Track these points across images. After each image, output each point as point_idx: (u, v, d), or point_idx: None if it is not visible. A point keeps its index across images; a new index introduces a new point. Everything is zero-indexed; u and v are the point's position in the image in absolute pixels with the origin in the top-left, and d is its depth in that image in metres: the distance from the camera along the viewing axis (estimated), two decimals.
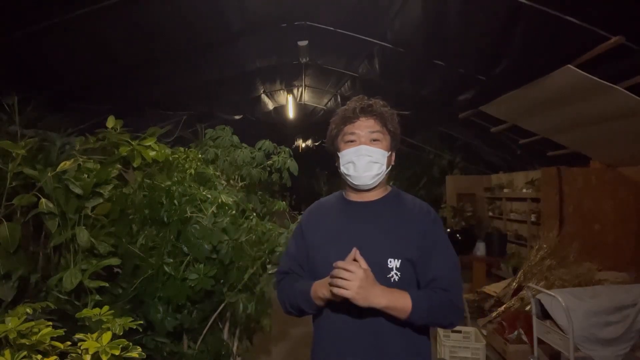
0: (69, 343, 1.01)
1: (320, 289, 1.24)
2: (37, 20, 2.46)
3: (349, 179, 1.33)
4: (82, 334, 1.00)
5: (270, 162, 3.06)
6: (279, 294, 1.42)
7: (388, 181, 1.41)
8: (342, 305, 1.22)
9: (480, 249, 5.62)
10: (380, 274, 1.20)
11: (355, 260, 1.17)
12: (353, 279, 1.13)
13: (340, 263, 1.16)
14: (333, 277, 1.16)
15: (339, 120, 1.35)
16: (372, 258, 1.19)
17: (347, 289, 1.13)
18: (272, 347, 3.84)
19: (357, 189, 1.35)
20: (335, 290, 1.15)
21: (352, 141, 1.32)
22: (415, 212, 1.34)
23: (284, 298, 1.39)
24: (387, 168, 1.33)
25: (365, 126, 1.31)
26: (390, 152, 1.34)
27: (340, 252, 1.22)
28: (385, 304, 1.17)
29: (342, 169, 1.34)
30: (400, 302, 1.19)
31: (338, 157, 1.36)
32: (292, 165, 3.03)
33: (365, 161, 1.29)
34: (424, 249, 1.27)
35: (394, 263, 1.25)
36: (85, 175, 1.69)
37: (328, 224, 1.38)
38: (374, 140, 1.31)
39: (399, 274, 1.25)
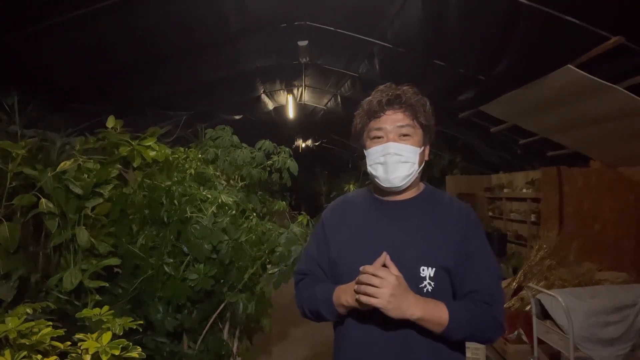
0: (69, 343, 1.02)
1: (343, 295, 1.11)
2: (37, 20, 2.46)
3: (377, 181, 1.19)
4: (82, 334, 1.00)
5: (270, 162, 3.06)
6: (297, 297, 1.29)
7: (421, 178, 1.27)
8: (369, 315, 1.10)
9: None
10: (411, 284, 1.07)
11: (384, 266, 1.05)
12: (384, 286, 1.00)
13: (367, 268, 1.03)
14: (360, 283, 1.03)
15: (363, 114, 1.20)
16: (403, 265, 1.07)
17: (376, 298, 1.00)
18: (272, 347, 3.84)
19: (387, 191, 1.21)
20: (364, 299, 1.02)
21: (378, 137, 1.17)
22: (453, 214, 1.19)
23: (302, 302, 1.25)
24: (419, 166, 1.18)
25: (392, 120, 1.16)
26: (422, 148, 1.19)
27: (367, 255, 1.10)
28: (420, 315, 1.04)
29: (369, 169, 1.20)
30: (436, 313, 1.06)
31: (364, 155, 1.22)
32: (292, 165, 3.03)
33: (394, 161, 1.14)
34: (463, 256, 1.13)
35: (427, 272, 1.12)
36: (85, 175, 1.69)
37: (354, 223, 1.24)
38: (404, 135, 1.16)
39: (432, 283, 1.11)
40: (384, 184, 1.18)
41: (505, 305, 3.92)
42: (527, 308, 3.47)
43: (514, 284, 4.08)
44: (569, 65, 2.85)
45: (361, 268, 1.05)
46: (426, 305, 1.06)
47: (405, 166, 1.15)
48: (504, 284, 4.38)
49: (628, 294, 2.85)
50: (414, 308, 1.04)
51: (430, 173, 7.70)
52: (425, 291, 1.11)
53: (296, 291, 1.31)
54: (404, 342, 1.12)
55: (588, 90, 3.02)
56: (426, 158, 1.23)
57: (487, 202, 6.84)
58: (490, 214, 6.73)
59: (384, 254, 1.07)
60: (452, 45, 3.45)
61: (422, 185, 1.27)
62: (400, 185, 1.17)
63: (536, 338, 2.99)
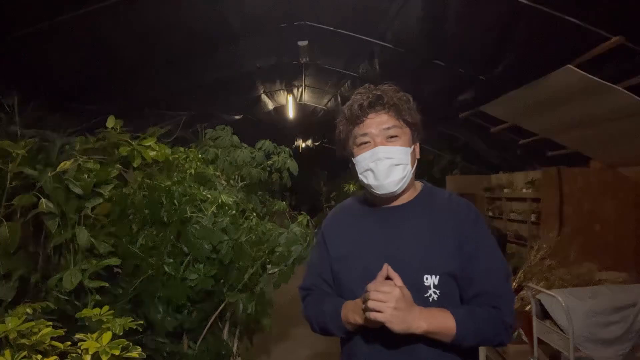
0: (69, 343, 1.01)
1: (351, 314, 1.07)
2: (37, 20, 2.46)
3: (371, 189, 1.13)
4: (82, 334, 1.00)
5: (270, 162, 3.06)
6: (305, 312, 1.25)
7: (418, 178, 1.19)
8: (377, 332, 1.04)
9: None
10: (415, 294, 1.02)
11: (388, 278, 1.00)
12: (387, 299, 0.95)
13: (371, 285, 0.99)
14: (365, 300, 0.99)
15: (345, 122, 1.14)
16: (404, 275, 1.01)
17: (381, 312, 0.95)
18: (272, 347, 3.84)
19: (383, 197, 1.15)
20: (371, 315, 0.97)
21: (365, 143, 1.11)
22: (452, 214, 1.13)
23: (311, 317, 1.22)
24: (412, 166, 1.12)
25: (377, 123, 1.10)
26: (412, 147, 1.13)
27: (366, 267, 1.08)
28: (426, 328, 0.99)
29: (361, 177, 1.14)
30: (442, 324, 1.01)
31: (354, 164, 1.15)
32: (292, 165, 3.03)
33: (385, 165, 1.08)
34: (467, 258, 1.08)
35: (431, 280, 1.06)
36: (85, 175, 1.69)
37: (352, 234, 1.19)
38: (391, 137, 1.10)
39: (437, 292, 1.06)
40: (379, 191, 1.12)
41: None
42: (527, 308, 3.47)
43: (514, 284, 4.08)
44: (569, 65, 2.85)
45: (367, 286, 1.00)
46: (431, 317, 1.01)
47: (398, 169, 1.09)
48: None
49: (628, 294, 2.85)
50: (419, 320, 0.98)
51: (430, 173, 7.70)
52: (431, 300, 1.06)
53: (304, 307, 1.27)
54: (412, 358, 1.07)
55: (588, 90, 3.02)
56: (417, 156, 1.17)
57: (487, 202, 6.83)
58: (490, 214, 6.72)
59: (385, 265, 1.02)
60: (452, 45, 3.45)
61: (419, 186, 1.21)
62: (396, 189, 1.11)
63: (536, 338, 2.99)
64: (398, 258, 1.06)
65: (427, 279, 1.06)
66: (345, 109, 1.16)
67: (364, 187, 1.19)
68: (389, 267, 1.01)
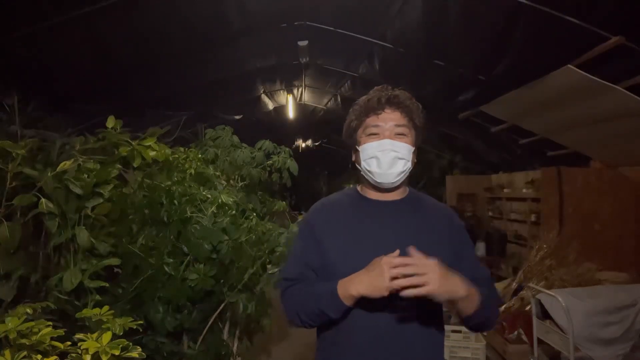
0: (69, 343, 1.02)
1: (352, 286, 1.08)
2: (37, 20, 2.46)
3: (371, 176, 1.21)
4: (82, 334, 1.00)
5: (270, 162, 3.06)
6: (287, 304, 1.22)
7: (419, 179, 1.32)
8: (375, 304, 1.10)
9: (480, 249, 5.61)
10: None
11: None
12: (429, 271, 1.01)
13: (401, 260, 1.03)
14: (396, 277, 1.02)
15: (360, 111, 1.23)
16: None
17: (427, 285, 1.00)
18: (272, 347, 3.84)
19: (379, 187, 1.23)
20: (413, 291, 1.00)
21: (375, 134, 1.20)
22: (442, 214, 1.28)
23: (295, 306, 1.19)
24: (412, 165, 1.22)
25: (390, 119, 1.19)
26: (414, 149, 1.23)
27: (369, 256, 1.10)
28: (465, 293, 1.06)
29: (364, 164, 1.21)
30: (474, 293, 1.09)
31: (357, 151, 1.24)
32: (292, 165, 3.04)
33: (390, 157, 1.17)
34: (455, 252, 1.20)
35: None
36: (85, 175, 1.69)
37: (349, 225, 1.23)
38: (399, 134, 1.19)
39: None
40: (379, 179, 1.20)
41: (505, 305, 3.93)
42: (527, 308, 3.47)
43: (514, 284, 4.08)
44: (569, 65, 2.85)
45: (392, 260, 1.04)
46: (467, 284, 1.08)
47: (400, 162, 1.19)
48: (503, 284, 4.39)
49: (628, 294, 2.85)
50: (460, 286, 1.06)
51: (430, 173, 7.70)
52: None
53: (284, 298, 1.23)
54: (408, 329, 1.15)
55: (588, 90, 3.02)
56: (414, 160, 1.25)
57: (487, 202, 6.83)
58: (490, 214, 6.72)
59: (412, 248, 1.06)
60: (452, 45, 3.45)
61: (406, 188, 1.31)
62: (395, 181, 1.20)
63: (536, 338, 2.99)
64: (401, 246, 1.09)
65: None
66: (361, 101, 1.25)
67: (360, 178, 1.29)
68: (412, 247, 1.06)
